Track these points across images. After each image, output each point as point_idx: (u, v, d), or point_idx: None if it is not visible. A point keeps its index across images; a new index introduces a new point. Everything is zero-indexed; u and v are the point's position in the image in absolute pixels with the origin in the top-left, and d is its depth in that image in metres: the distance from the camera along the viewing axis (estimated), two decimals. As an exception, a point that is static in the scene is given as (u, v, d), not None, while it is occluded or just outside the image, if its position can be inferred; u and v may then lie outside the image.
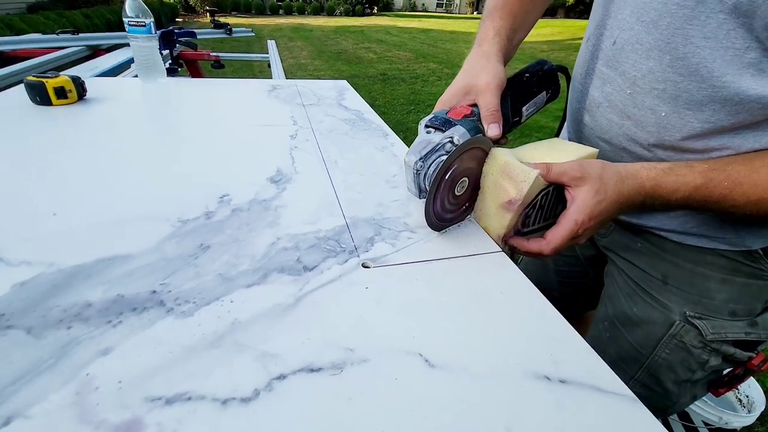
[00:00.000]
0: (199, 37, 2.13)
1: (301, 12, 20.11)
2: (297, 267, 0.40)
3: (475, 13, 24.30)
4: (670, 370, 0.56)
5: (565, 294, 0.97)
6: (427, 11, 24.93)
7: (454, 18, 20.24)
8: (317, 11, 20.48)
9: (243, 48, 5.83)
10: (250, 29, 2.46)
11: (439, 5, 26.62)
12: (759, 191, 0.40)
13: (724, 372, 0.57)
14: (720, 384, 0.58)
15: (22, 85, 0.83)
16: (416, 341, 0.33)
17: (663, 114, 0.45)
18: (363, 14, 19.75)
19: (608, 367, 0.32)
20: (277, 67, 1.61)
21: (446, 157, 0.41)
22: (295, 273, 0.39)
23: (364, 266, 0.41)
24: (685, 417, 1.18)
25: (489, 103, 0.45)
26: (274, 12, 19.62)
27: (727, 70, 0.39)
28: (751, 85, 0.38)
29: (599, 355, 0.64)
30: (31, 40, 1.87)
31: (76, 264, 0.38)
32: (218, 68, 1.97)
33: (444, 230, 0.49)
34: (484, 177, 0.46)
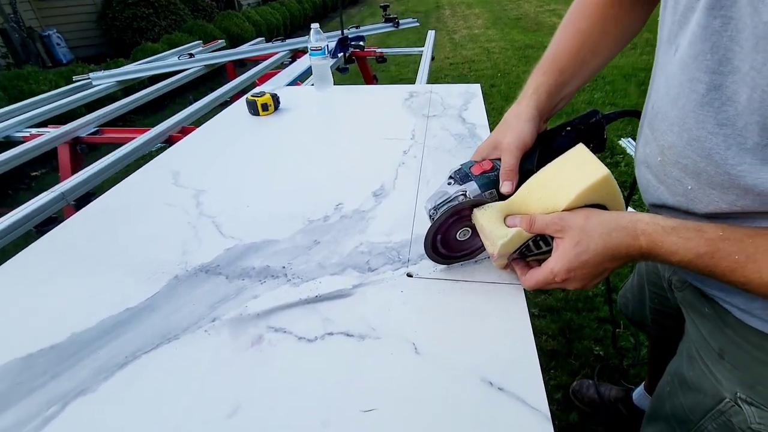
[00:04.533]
0: (369, 33, 2.47)
1: (487, -29, 19.07)
2: (364, 267, 0.61)
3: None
4: None
5: (663, 336, 0.92)
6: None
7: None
8: (505, -32, 19.08)
9: (415, 38, 5.98)
10: (416, 20, 2.66)
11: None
12: None
13: None
14: None
15: (244, 100, 1.24)
16: (415, 334, 0.50)
17: (689, 187, 0.44)
18: (557, -34, 17.45)
19: (543, 391, 0.43)
20: (425, 64, 1.77)
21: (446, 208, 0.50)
22: (361, 271, 0.60)
23: (408, 275, 0.59)
24: None
25: (506, 163, 0.51)
26: (459, -26, 19.17)
27: (743, 159, 0.37)
28: None
29: (658, 406, 0.65)
30: (255, 49, 2.57)
31: (252, 242, 0.67)
32: (382, 62, 2.27)
33: (449, 265, 0.59)
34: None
